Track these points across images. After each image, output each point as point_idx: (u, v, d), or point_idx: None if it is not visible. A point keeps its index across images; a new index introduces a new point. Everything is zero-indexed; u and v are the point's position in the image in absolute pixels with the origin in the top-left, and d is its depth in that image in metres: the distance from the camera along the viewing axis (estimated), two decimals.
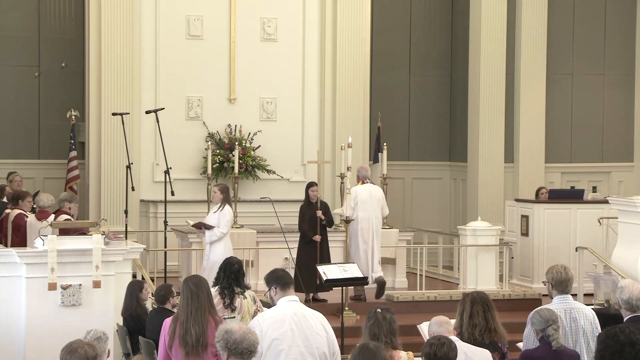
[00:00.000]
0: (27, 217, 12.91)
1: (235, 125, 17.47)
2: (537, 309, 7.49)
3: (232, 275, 8.99)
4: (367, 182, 14.71)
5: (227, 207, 13.39)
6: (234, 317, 8.72)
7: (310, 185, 14.21)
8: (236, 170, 15.39)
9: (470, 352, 7.26)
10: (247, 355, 5.88)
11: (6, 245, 12.32)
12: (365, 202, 14.40)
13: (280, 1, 17.81)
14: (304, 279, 13.42)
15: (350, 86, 17.81)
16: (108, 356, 6.69)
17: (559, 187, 18.35)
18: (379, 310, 7.26)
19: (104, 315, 9.83)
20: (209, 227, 13.30)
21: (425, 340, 7.44)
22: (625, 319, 7.73)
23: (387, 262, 15.25)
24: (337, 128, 17.71)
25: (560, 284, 7.98)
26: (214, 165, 16.70)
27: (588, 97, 19.63)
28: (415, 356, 7.20)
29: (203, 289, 7.30)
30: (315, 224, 13.91)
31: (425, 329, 8.00)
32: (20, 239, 12.73)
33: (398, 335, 7.24)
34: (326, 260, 13.77)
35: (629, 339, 6.12)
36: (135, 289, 10.17)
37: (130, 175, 13.89)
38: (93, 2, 16.84)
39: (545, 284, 8.23)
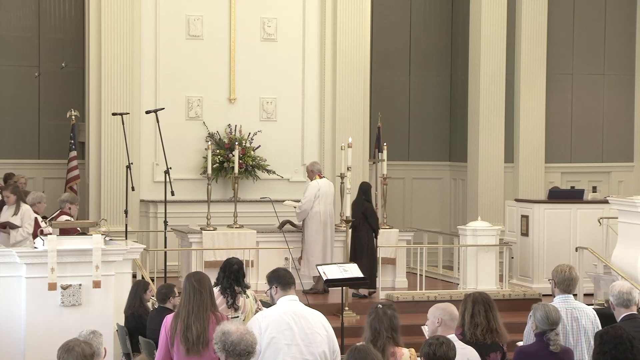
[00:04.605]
0: None
1: (235, 125, 17.47)
2: (542, 304, 7.46)
3: (232, 275, 9.01)
4: (324, 177, 14.94)
5: (25, 206, 13.16)
6: (238, 317, 8.73)
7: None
8: (236, 170, 15.39)
9: (467, 351, 7.27)
10: (244, 356, 5.88)
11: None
12: (326, 196, 14.60)
13: (280, 1, 17.80)
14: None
15: (350, 86, 17.80)
16: (105, 355, 6.67)
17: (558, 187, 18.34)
18: (380, 305, 7.29)
19: (104, 315, 9.82)
20: (14, 227, 12.93)
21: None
22: (619, 319, 7.73)
23: (387, 262, 15.26)
24: (337, 128, 17.71)
25: (563, 282, 8.00)
26: (214, 165, 16.70)
27: (588, 97, 19.63)
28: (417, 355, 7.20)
29: (206, 286, 7.28)
30: None
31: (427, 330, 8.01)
32: None
33: (400, 332, 7.25)
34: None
35: (626, 333, 6.46)
36: (140, 289, 10.18)
37: (130, 175, 13.89)
38: (93, 2, 16.83)
39: (550, 281, 8.25)
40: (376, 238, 14.64)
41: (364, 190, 14.78)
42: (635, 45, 19.82)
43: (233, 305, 8.85)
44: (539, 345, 7.26)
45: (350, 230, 14.12)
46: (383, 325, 7.15)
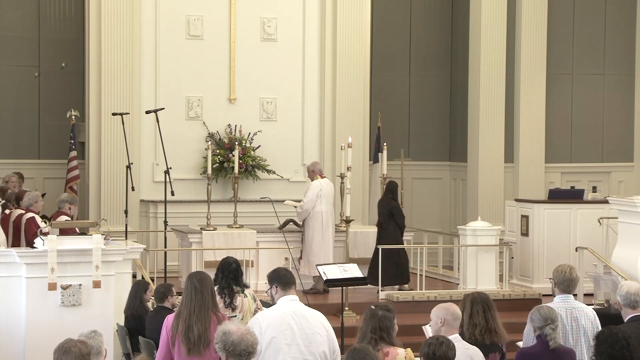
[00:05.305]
0: None
1: (235, 125, 17.47)
2: (537, 306, 7.49)
3: (230, 275, 9.00)
4: (325, 177, 15.05)
5: None
6: (235, 316, 8.73)
7: None
8: (236, 170, 15.40)
9: (471, 351, 7.27)
10: (245, 356, 5.89)
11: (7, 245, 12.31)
12: (328, 196, 14.72)
13: (280, 1, 17.80)
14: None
15: (350, 86, 17.81)
16: (105, 355, 6.67)
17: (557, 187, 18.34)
18: (372, 307, 7.29)
19: (104, 315, 9.82)
20: None
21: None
22: (626, 320, 7.71)
23: None
24: (337, 128, 17.71)
25: (563, 282, 7.99)
26: (214, 165, 16.70)
27: (588, 97, 19.63)
28: (415, 356, 7.19)
29: (207, 286, 7.28)
30: None
31: (429, 330, 8.01)
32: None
33: (393, 332, 7.24)
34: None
35: (622, 332, 6.56)
36: (140, 289, 10.18)
37: (130, 175, 13.90)
38: (93, 2, 16.83)
39: (550, 281, 8.25)
40: (402, 235, 15.08)
41: (391, 189, 15.16)
42: (635, 45, 19.82)
43: (230, 305, 8.85)
44: (540, 347, 7.26)
45: (349, 228, 14.14)
46: (369, 327, 7.18)
